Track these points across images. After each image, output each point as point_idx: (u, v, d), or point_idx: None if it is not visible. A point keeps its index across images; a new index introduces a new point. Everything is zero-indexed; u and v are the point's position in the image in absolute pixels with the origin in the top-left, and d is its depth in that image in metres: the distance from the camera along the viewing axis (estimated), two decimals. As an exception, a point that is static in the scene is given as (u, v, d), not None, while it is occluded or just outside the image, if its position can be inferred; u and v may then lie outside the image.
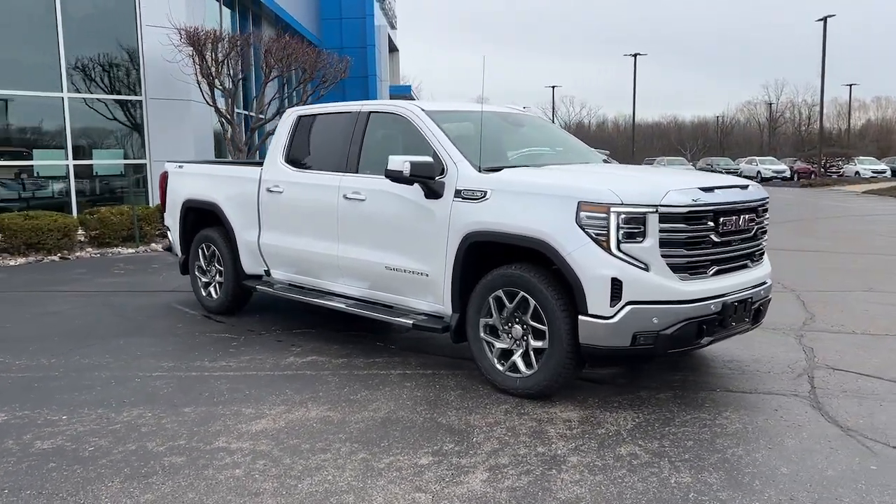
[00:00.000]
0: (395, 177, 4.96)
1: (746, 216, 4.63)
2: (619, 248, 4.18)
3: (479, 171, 4.87)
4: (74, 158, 13.67)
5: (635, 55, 51.92)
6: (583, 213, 4.25)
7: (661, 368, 5.21)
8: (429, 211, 5.00)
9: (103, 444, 3.91)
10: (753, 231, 4.74)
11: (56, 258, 11.15)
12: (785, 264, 10.05)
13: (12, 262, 10.73)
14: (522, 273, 4.49)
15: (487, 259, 4.77)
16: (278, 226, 6.28)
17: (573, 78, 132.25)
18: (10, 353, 5.75)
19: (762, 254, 4.98)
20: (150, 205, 13.70)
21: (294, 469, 3.59)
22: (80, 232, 12.19)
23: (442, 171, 4.98)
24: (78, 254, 11.52)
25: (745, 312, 4.60)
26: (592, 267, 4.19)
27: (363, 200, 5.47)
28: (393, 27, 33.21)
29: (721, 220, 4.42)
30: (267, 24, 21.39)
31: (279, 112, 15.22)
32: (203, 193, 7.04)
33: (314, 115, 6.28)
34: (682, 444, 3.89)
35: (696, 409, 4.42)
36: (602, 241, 4.19)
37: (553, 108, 72.20)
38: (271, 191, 6.28)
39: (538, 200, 4.47)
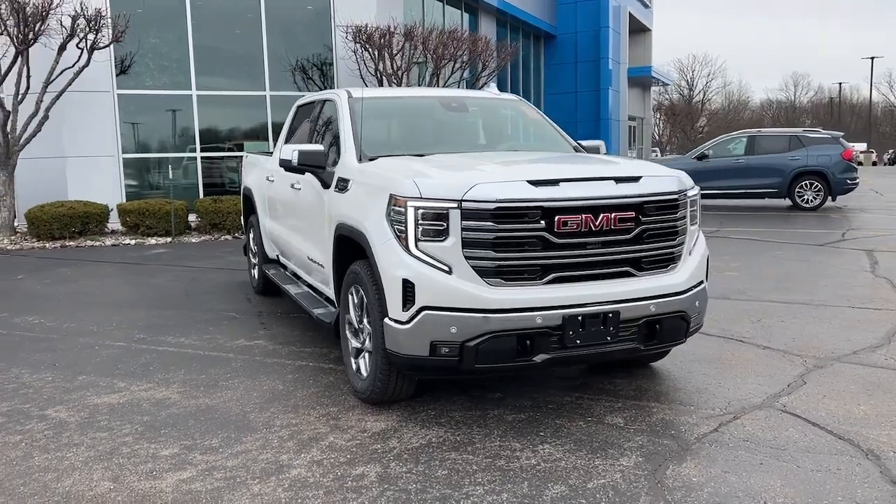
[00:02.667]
0: (286, 166, 4.92)
1: (614, 215, 3.79)
2: (417, 247, 3.73)
3: (360, 161, 4.63)
4: (276, 149, 15.31)
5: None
6: (391, 208, 3.86)
7: (574, 387, 4.51)
8: (322, 201, 4.89)
9: (-27, 401, 4.51)
10: (635, 233, 3.87)
11: (230, 237, 12.66)
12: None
13: (194, 240, 12.43)
14: (360, 270, 4.21)
15: (357, 253, 4.53)
16: (273, 214, 6.56)
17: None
18: (57, 315, 6.77)
19: (668, 260, 4.04)
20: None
21: (56, 443, 3.81)
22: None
23: (336, 161, 4.83)
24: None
25: (608, 329, 3.79)
26: (389, 266, 3.80)
27: (300, 190, 5.49)
28: (646, 6, 31.58)
29: (560, 218, 3.69)
30: (485, 16, 21.72)
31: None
32: (247, 181, 7.57)
33: (305, 105, 6.41)
34: (432, 473, 3.38)
35: (521, 437, 3.78)
36: (402, 238, 3.78)
37: (871, 85, 63.01)
38: (269, 179, 6.57)
39: (371, 192, 4.15)
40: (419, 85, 15.15)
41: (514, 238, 3.67)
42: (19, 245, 11.84)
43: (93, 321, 6.52)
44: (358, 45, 13.98)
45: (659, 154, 46.02)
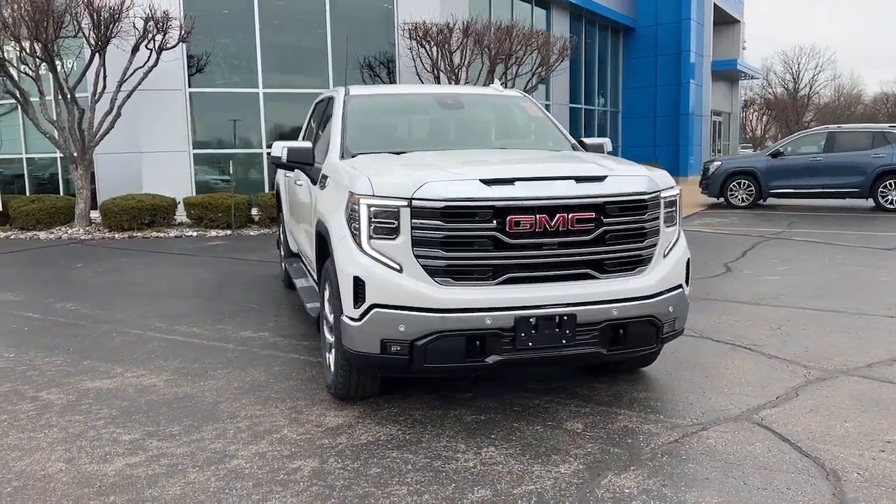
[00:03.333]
0: (276, 163, 5.01)
1: (571, 216, 3.68)
2: (369, 245, 3.73)
3: (342, 158, 4.68)
4: (339, 145, 15.60)
5: None
6: (349, 205, 3.88)
7: (548, 390, 4.42)
8: (312, 198, 4.96)
9: (-19, 380, 4.83)
10: (596, 235, 3.74)
11: (287, 231, 13.00)
12: None
13: (252, 233, 12.83)
14: (329, 266, 4.25)
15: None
16: (290, 209, 6.70)
17: None
18: (94, 303, 7.13)
19: (635, 263, 3.88)
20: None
21: (34, 424, 4.03)
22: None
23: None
24: (309, 228, 13.26)
25: (563, 332, 3.67)
26: (344, 263, 3.83)
27: (301, 187, 5.59)
28: (737, -4, 30.33)
29: (513, 218, 3.61)
30: (558, 10, 21.35)
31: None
32: (277, 177, 7.78)
33: (320, 102, 6.50)
34: (365, 471, 3.38)
35: (470, 438, 3.73)
36: (356, 236, 3.79)
37: None
38: (287, 175, 6.71)
39: (338, 189, 4.19)
40: (475, 81, 15.07)
41: (463, 237, 3.61)
42: (92, 235, 12.55)
43: (122, 309, 6.85)
44: (414, 42, 14.05)
45: (752, 151, 44.17)
